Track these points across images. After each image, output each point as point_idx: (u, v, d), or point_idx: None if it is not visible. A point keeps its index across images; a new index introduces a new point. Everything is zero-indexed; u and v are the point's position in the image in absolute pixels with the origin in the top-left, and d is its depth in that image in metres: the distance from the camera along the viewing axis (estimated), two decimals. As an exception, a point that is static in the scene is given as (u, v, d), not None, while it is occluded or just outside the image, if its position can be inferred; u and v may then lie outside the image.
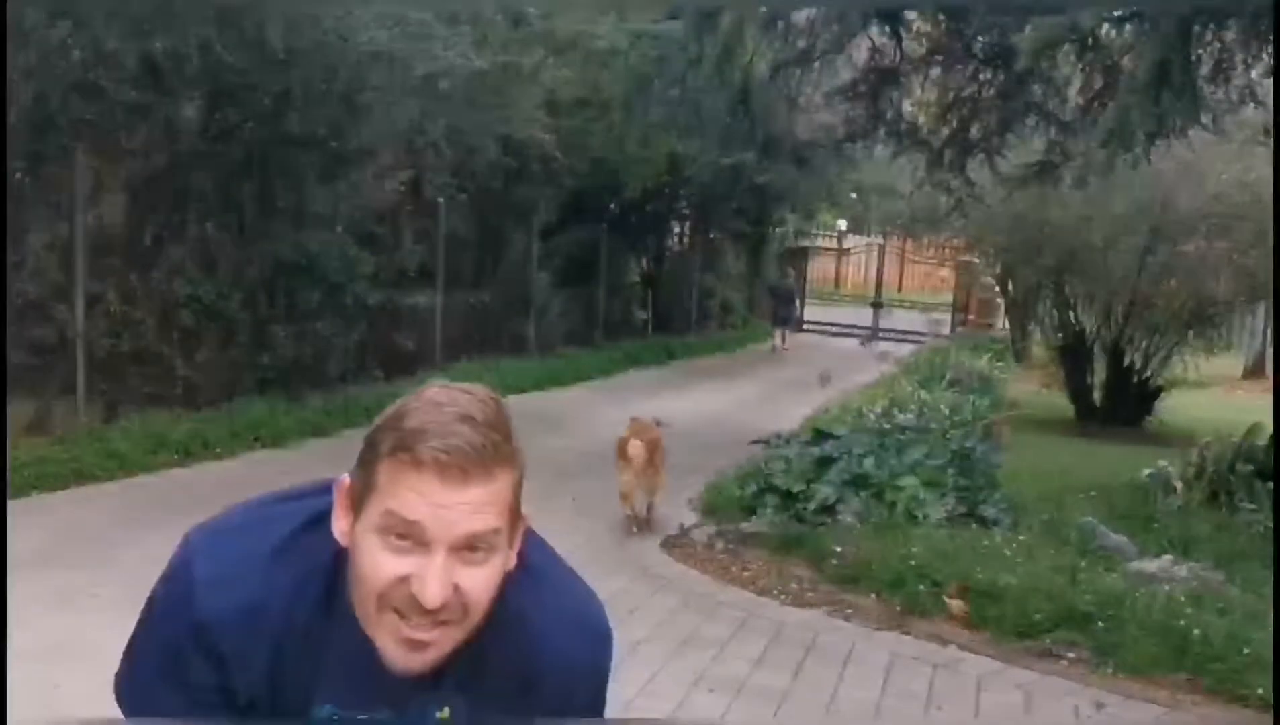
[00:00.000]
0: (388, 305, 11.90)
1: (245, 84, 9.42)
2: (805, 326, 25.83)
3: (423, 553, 1.13)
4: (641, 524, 7.45)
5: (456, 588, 1.14)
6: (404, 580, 1.13)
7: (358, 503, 1.18)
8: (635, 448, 7.27)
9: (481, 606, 1.17)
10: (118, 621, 4.95)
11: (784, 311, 22.88)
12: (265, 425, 9.43)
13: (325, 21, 9.07)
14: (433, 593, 1.12)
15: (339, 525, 1.21)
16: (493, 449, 1.15)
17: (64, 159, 8.81)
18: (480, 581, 1.15)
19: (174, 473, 8.23)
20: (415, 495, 1.13)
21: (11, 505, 6.45)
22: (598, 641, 1.32)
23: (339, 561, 1.21)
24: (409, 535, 1.13)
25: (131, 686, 1.30)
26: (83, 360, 8.61)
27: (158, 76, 8.99)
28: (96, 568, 5.86)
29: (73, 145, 8.69)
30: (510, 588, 1.20)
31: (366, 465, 1.18)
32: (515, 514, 1.19)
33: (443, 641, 1.16)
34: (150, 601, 1.29)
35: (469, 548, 1.14)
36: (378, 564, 1.14)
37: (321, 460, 8.97)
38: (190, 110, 10.05)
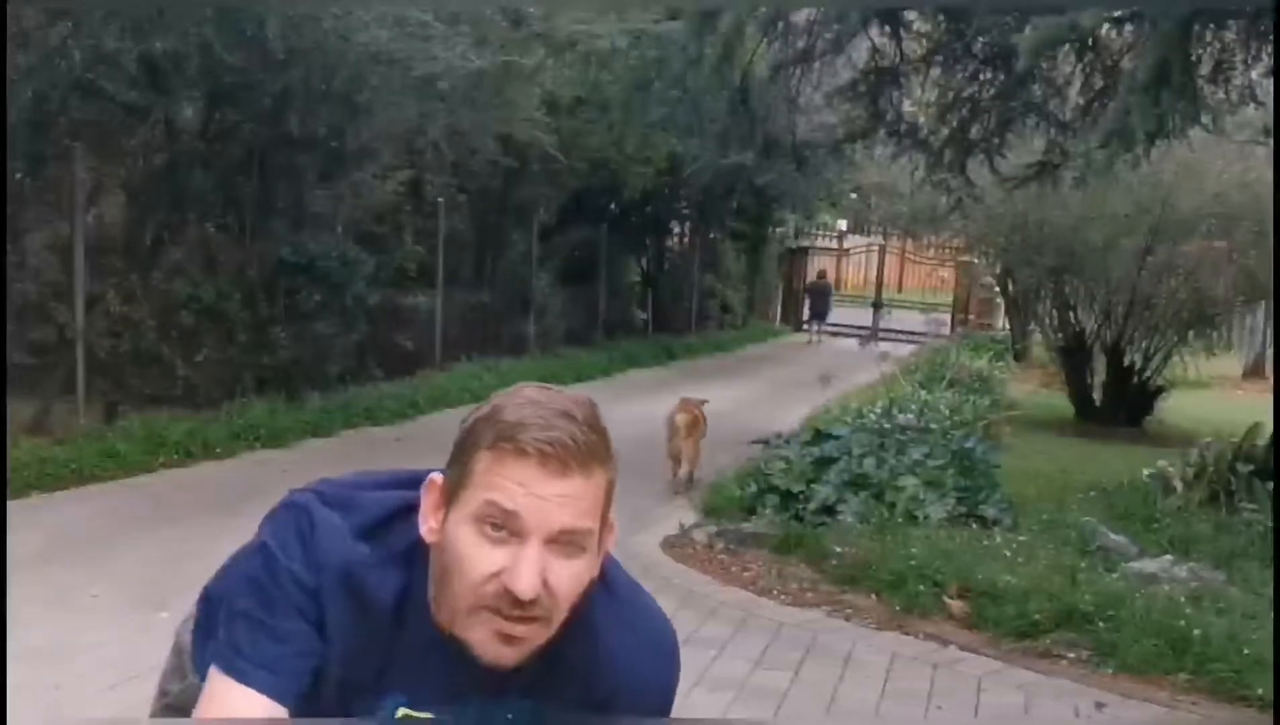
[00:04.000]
0: (388, 305, 11.91)
1: (245, 84, 9.42)
2: (806, 326, 25.87)
3: (517, 543, 1.14)
4: (685, 484, 8.60)
5: (545, 583, 1.14)
6: (497, 574, 1.14)
7: (451, 494, 1.18)
8: (681, 417, 8.59)
9: (566, 606, 1.18)
10: (116, 621, 4.95)
11: (820, 307, 24.41)
12: (265, 425, 9.43)
13: (325, 21, 9.07)
14: (527, 581, 1.13)
15: (427, 523, 1.21)
16: (591, 446, 1.16)
17: (64, 159, 8.81)
18: (568, 578, 1.16)
19: (174, 473, 8.22)
20: (515, 485, 1.14)
21: (11, 505, 6.45)
22: (668, 661, 1.34)
23: (415, 556, 1.22)
24: (505, 525, 1.14)
25: (228, 613, 1.24)
26: (83, 360, 8.61)
27: (157, 77, 9.00)
28: (96, 568, 5.86)
29: (73, 145, 8.69)
30: (587, 600, 1.21)
31: (462, 458, 1.18)
32: (605, 518, 1.20)
33: (532, 638, 1.17)
34: (267, 541, 1.25)
35: (562, 542, 1.15)
36: (472, 557, 1.15)
37: (321, 460, 8.97)
38: (190, 110, 10.06)
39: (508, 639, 1.16)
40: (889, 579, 6.13)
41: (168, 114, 9.55)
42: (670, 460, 8.74)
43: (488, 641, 1.16)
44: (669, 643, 1.34)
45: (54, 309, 8.72)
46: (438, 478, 1.21)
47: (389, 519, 1.25)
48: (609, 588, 1.26)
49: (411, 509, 1.24)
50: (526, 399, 1.18)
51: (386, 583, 1.22)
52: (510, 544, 1.14)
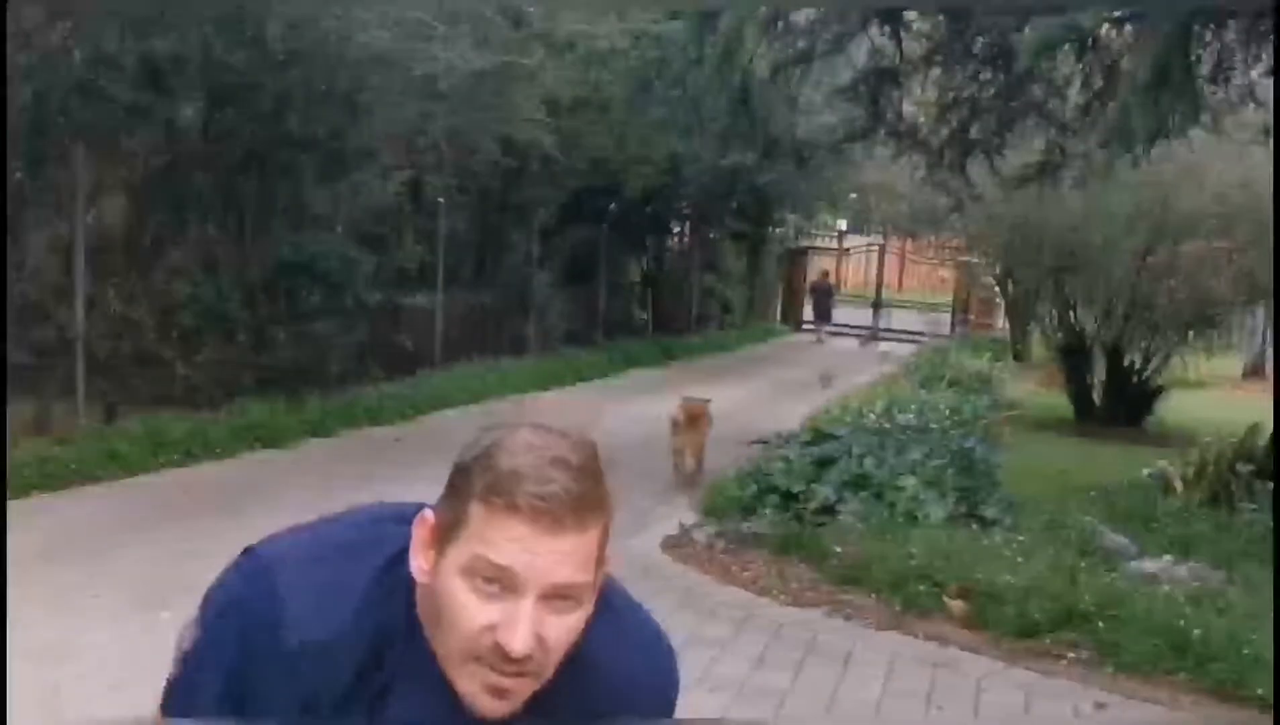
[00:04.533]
0: (388, 305, 11.91)
1: (245, 85, 9.42)
2: (806, 326, 25.90)
3: (511, 599, 1.11)
4: (689, 481, 8.75)
5: (539, 638, 1.12)
6: (489, 629, 1.12)
7: (443, 539, 1.15)
8: (681, 414, 8.84)
9: (558, 659, 1.15)
10: (117, 621, 4.94)
11: (824, 306, 24.70)
12: (265, 425, 9.42)
13: (325, 21, 9.07)
14: (520, 641, 1.10)
15: (418, 563, 1.18)
16: (587, 498, 1.13)
17: (64, 159, 8.81)
18: (563, 634, 1.14)
19: (174, 473, 8.22)
20: (508, 541, 1.11)
21: (11, 505, 6.44)
22: (666, 675, 1.32)
23: (414, 594, 1.20)
24: (498, 580, 1.11)
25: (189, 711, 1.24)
26: (83, 361, 8.61)
27: (158, 77, 9.00)
28: (96, 568, 5.87)
29: (73, 145, 8.69)
30: (584, 629, 1.18)
31: (455, 503, 1.15)
32: (600, 563, 1.17)
33: (523, 690, 1.15)
34: (215, 623, 1.23)
35: (557, 597, 1.12)
36: (464, 611, 1.13)
37: (321, 460, 8.99)
38: (190, 111, 10.06)
39: (498, 692, 1.14)
40: (889, 579, 6.12)
41: (168, 115, 9.55)
42: (675, 457, 8.90)
43: (478, 694, 1.15)
44: (666, 657, 1.32)
45: (54, 309, 8.71)
46: (429, 516, 1.18)
47: (392, 565, 1.22)
48: (606, 605, 1.23)
49: (407, 551, 1.21)
50: (523, 444, 1.14)
51: (389, 630, 1.20)
52: (503, 599, 1.11)
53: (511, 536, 1.11)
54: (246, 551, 1.26)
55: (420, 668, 1.18)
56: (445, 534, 1.15)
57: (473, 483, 1.13)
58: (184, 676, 1.26)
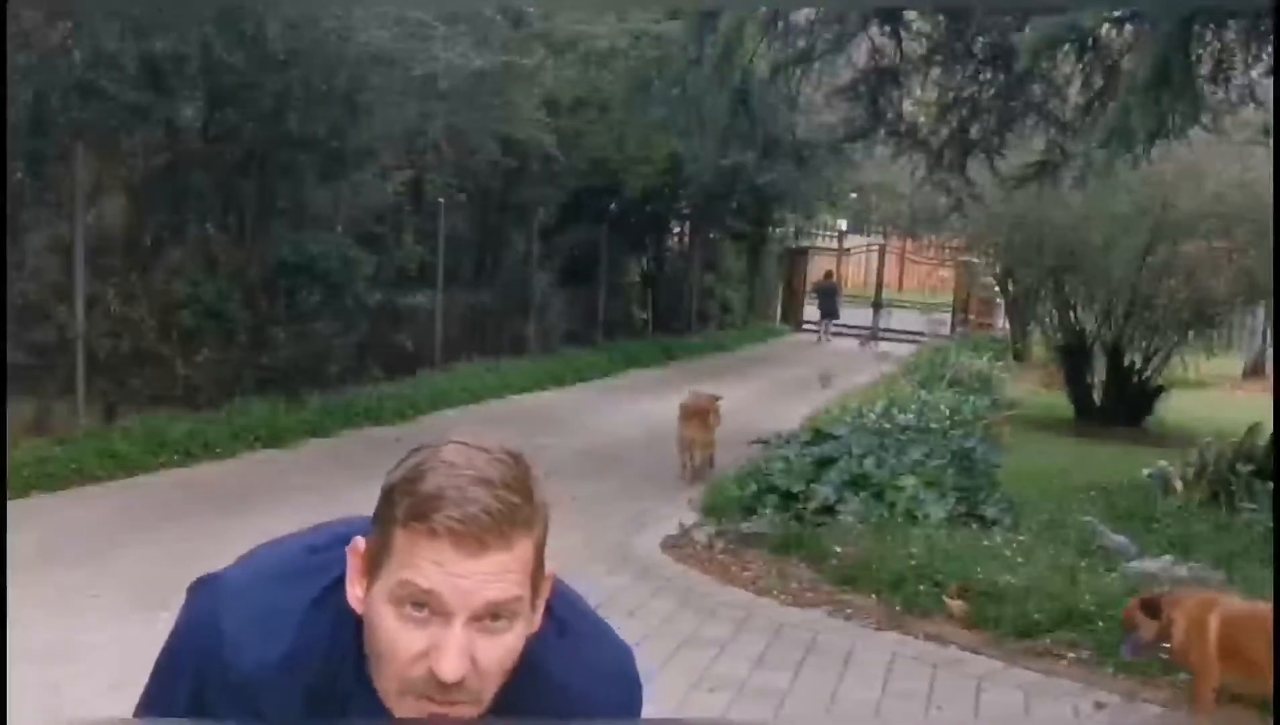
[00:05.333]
0: (388, 305, 11.91)
1: (245, 84, 9.43)
2: (806, 326, 25.92)
3: (441, 624, 1.09)
4: (695, 474, 8.94)
5: (474, 661, 1.09)
6: (421, 656, 1.09)
7: (373, 565, 1.13)
8: (692, 406, 9.03)
9: (497, 683, 1.13)
10: (117, 621, 4.93)
11: (828, 306, 24.82)
12: (265, 425, 9.43)
13: (325, 21, 9.08)
14: (451, 666, 1.08)
15: (353, 590, 1.16)
16: (511, 514, 1.10)
17: (64, 159, 8.82)
18: (499, 654, 1.11)
19: (174, 473, 8.23)
20: (431, 565, 1.08)
21: (11, 505, 6.44)
22: (628, 692, 1.28)
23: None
24: (425, 605, 1.09)
25: None
26: (83, 361, 8.61)
27: (158, 77, 9.01)
28: (96, 568, 5.87)
29: (73, 145, 8.69)
30: (533, 643, 1.16)
31: (382, 527, 1.13)
32: (537, 576, 1.15)
33: (462, 715, 1.13)
34: (169, 653, 1.24)
35: (490, 617, 1.10)
36: (394, 639, 1.10)
37: (321, 460, 8.99)
38: (190, 110, 10.07)
39: (437, 719, 1.11)
40: (889, 579, 6.13)
41: (168, 114, 9.56)
42: (683, 452, 9.05)
43: (418, 719, 1.12)
44: (627, 672, 1.28)
45: (54, 309, 8.72)
46: (360, 543, 1.16)
47: (337, 585, 1.19)
48: (559, 626, 1.21)
49: None
50: (444, 461, 1.11)
51: (337, 652, 1.18)
52: (433, 624, 1.09)
53: (434, 560, 1.08)
54: (200, 580, 1.25)
55: (372, 699, 1.15)
56: (374, 561, 1.13)
57: (396, 508, 1.11)
58: (147, 696, 1.26)
